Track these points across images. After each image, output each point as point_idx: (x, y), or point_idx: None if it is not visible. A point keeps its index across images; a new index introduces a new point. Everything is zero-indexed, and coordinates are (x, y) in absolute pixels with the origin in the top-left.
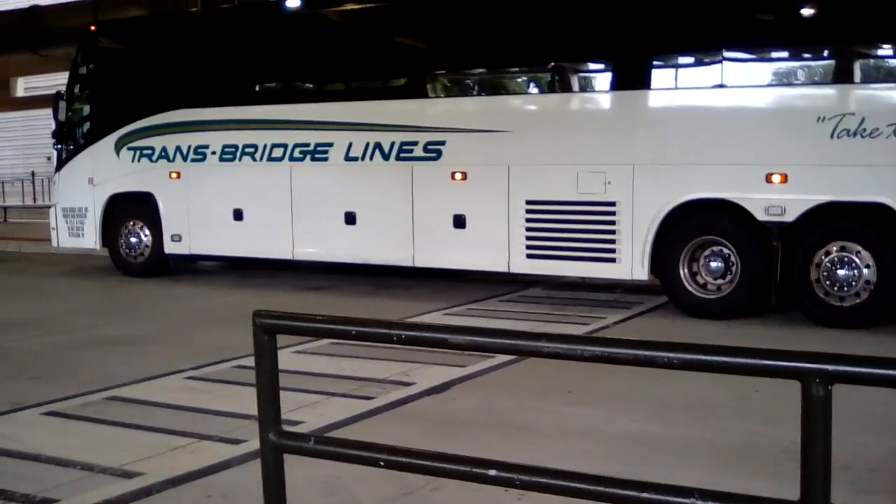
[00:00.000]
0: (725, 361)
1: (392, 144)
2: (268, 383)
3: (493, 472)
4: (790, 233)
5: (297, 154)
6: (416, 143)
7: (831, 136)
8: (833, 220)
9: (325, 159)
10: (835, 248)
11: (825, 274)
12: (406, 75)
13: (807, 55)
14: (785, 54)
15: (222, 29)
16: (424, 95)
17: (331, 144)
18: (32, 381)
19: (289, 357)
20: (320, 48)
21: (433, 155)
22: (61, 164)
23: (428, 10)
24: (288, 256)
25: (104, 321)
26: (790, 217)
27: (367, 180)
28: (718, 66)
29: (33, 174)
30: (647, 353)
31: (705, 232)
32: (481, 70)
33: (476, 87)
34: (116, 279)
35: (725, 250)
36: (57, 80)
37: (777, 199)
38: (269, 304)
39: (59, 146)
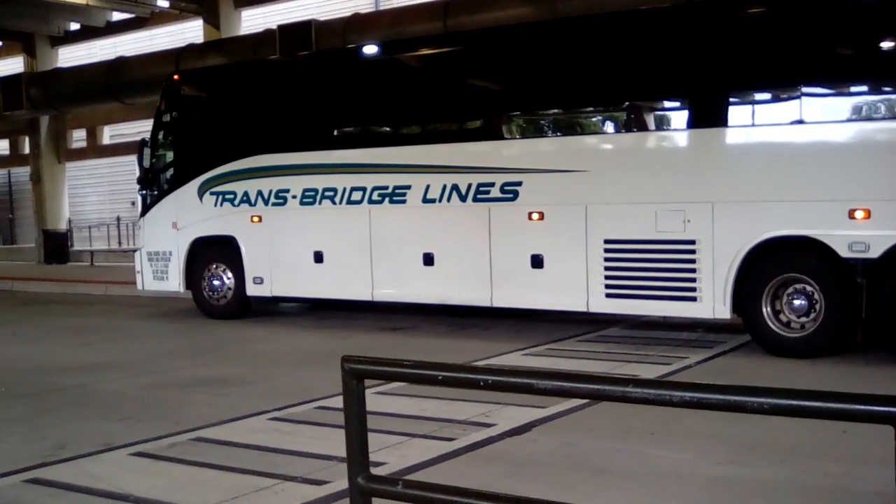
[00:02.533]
0: (816, 406)
1: (469, 186)
2: (356, 427)
3: None
4: (875, 269)
5: (375, 197)
6: (492, 185)
7: None
8: None
9: (403, 202)
10: None
11: None
12: (482, 117)
13: (887, 88)
14: (865, 88)
15: (301, 75)
16: (500, 137)
17: (408, 187)
18: (120, 423)
19: (370, 398)
20: (397, 93)
21: (510, 196)
22: (146, 209)
23: (503, 53)
24: (367, 297)
25: (189, 363)
26: (875, 253)
27: (444, 222)
28: (797, 101)
29: (119, 219)
30: (736, 398)
31: (788, 269)
32: (557, 110)
33: (552, 128)
34: (200, 321)
35: (809, 288)
36: (141, 128)
37: (861, 236)
38: (350, 345)
39: (144, 192)
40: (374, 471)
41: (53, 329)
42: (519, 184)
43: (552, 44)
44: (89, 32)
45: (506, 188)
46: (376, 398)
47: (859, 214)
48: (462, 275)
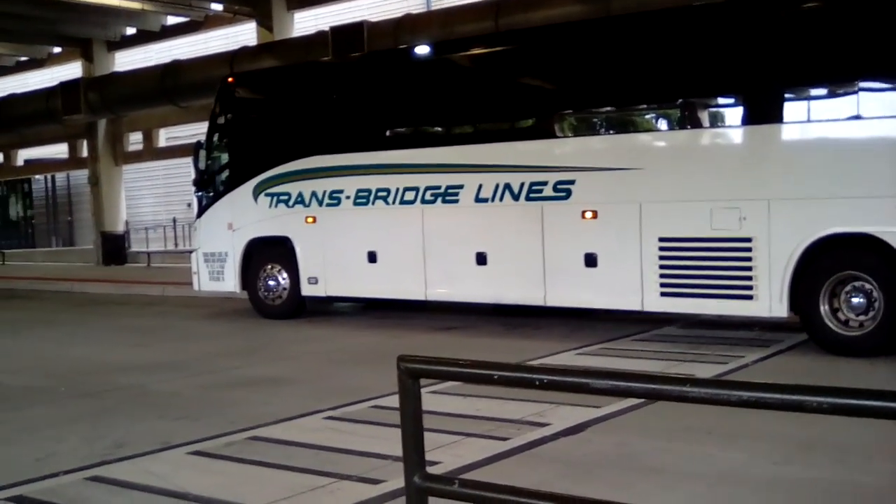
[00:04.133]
0: (876, 406)
1: (521, 185)
2: (412, 426)
3: None
4: None
5: (428, 197)
6: (545, 183)
7: None
8: None
9: (456, 201)
10: None
11: None
12: (534, 116)
13: None
14: None
15: (353, 76)
16: (553, 135)
17: (461, 186)
18: (177, 421)
19: (424, 397)
20: (449, 92)
21: (563, 194)
22: (202, 210)
23: (554, 51)
24: (421, 297)
25: (244, 362)
26: None
27: (497, 221)
28: (854, 96)
29: (175, 220)
30: (795, 397)
31: (846, 267)
32: (610, 108)
33: (605, 126)
34: (255, 321)
35: (867, 286)
36: (196, 130)
37: None
38: (403, 344)
39: (199, 193)
40: (430, 470)
41: (112, 330)
42: (572, 182)
43: (605, 41)
44: (145, 37)
45: (559, 187)
46: (430, 397)
47: None
48: (515, 274)
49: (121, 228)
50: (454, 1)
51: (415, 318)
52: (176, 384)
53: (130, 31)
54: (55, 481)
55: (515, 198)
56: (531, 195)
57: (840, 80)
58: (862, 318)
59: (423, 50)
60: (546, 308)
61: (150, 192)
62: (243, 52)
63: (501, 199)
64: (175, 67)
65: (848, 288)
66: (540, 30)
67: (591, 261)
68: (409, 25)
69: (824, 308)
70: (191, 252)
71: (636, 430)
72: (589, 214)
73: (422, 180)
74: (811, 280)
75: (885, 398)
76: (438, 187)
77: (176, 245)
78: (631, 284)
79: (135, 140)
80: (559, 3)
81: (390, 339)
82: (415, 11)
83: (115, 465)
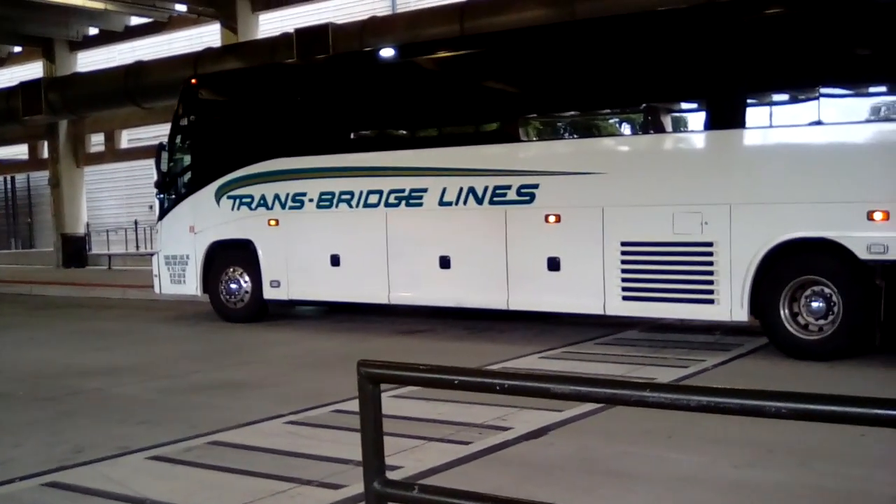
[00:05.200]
0: (836, 411)
1: (485, 189)
2: (372, 432)
3: None
4: (894, 271)
5: (392, 200)
6: (509, 187)
7: None
8: None
9: (420, 205)
10: None
11: None
12: (498, 120)
13: None
14: (883, 89)
15: (318, 79)
16: (517, 139)
17: (425, 190)
18: (137, 426)
19: (386, 401)
20: (413, 96)
21: (526, 198)
22: (163, 212)
23: (519, 55)
24: (384, 301)
25: (205, 366)
26: (894, 255)
27: (461, 225)
28: (815, 102)
29: (136, 223)
30: (754, 402)
31: (806, 272)
32: (574, 112)
33: (569, 130)
34: (217, 325)
35: (827, 290)
36: (159, 132)
37: (880, 237)
38: (366, 348)
39: (161, 195)
40: (391, 475)
41: (71, 333)
42: (536, 186)
43: (569, 46)
44: (108, 37)
45: (522, 191)
46: (392, 401)
47: (878, 216)
48: (478, 278)
49: (81, 231)
50: (420, 4)
51: (378, 321)
52: (136, 388)
53: (93, 31)
54: (11, 487)
55: (479, 201)
56: (495, 199)
57: (801, 86)
58: (822, 322)
59: (387, 53)
60: (509, 312)
61: (112, 194)
62: (207, 54)
63: (465, 202)
64: (138, 68)
65: (808, 292)
66: (505, 34)
67: (554, 265)
68: (374, 28)
69: (784, 312)
70: (152, 255)
71: (598, 434)
72: (552, 218)
73: (385, 183)
74: (772, 284)
75: (844, 403)
76: (402, 191)
77: (137, 248)
78: (593, 288)
79: (96, 141)
80: (524, 7)
81: (353, 342)
82: (380, 14)
83: (72, 470)
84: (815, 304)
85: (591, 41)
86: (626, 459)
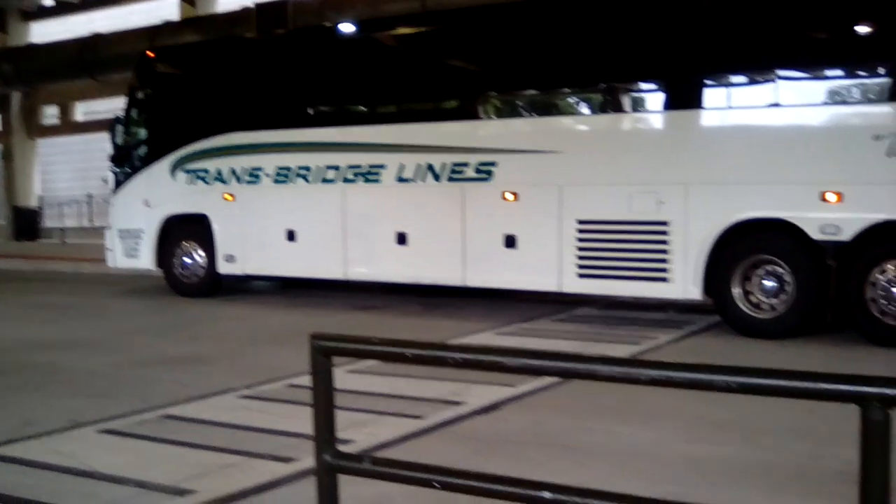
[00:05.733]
0: (783, 385)
1: (443, 166)
2: (323, 405)
3: (547, 495)
4: (845, 252)
5: (349, 176)
6: (467, 165)
7: (887, 154)
8: (889, 238)
9: (378, 181)
10: (891, 267)
11: (881, 293)
12: (458, 97)
13: (862, 73)
14: (839, 72)
15: (276, 53)
16: (476, 117)
17: (383, 166)
18: (89, 399)
19: (341, 376)
20: (373, 71)
21: (484, 176)
22: (118, 186)
23: (479, 33)
24: (340, 276)
25: (159, 341)
26: (845, 236)
27: (418, 201)
28: (772, 84)
29: (90, 196)
30: (703, 376)
31: (759, 251)
32: (533, 91)
33: (527, 108)
34: (171, 299)
35: (779, 269)
36: (115, 105)
37: (832, 218)
38: (322, 324)
39: (116, 169)
40: (344, 448)
41: (23, 306)
42: (494, 164)
43: (528, 24)
44: (64, 8)
45: (480, 168)
46: (348, 377)
47: (831, 197)
48: (435, 254)
49: (34, 203)
50: None
51: (334, 297)
52: (88, 362)
53: (48, 1)
54: None
55: (437, 178)
56: (453, 176)
57: (758, 69)
58: (773, 301)
59: (347, 28)
60: (466, 288)
61: (66, 167)
62: (165, 27)
63: (423, 179)
64: (94, 40)
65: (760, 272)
66: (465, 11)
67: (510, 242)
68: (334, 3)
69: (737, 291)
70: (106, 228)
71: (551, 409)
72: (510, 196)
73: (343, 159)
74: (725, 263)
75: (791, 378)
76: (360, 166)
77: (91, 221)
78: (550, 266)
79: (51, 114)
80: None
81: (308, 318)
82: None
83: (21, 443)
84: (767, 284)
85: (551, 20)
86: (578, 434)
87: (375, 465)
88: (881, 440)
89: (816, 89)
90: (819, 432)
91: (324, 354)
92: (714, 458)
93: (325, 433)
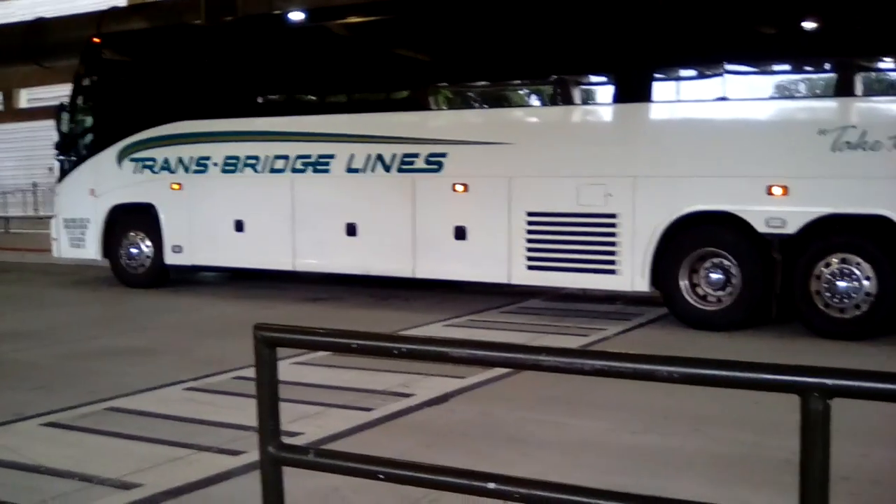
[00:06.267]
0: (725, 375)
1: (393, 156)
2: (268, 396)
3: (492, 486)
4: (791, 245)
5: (298, 166)
6: (417, 155)
7: (832, 149)
8: (834, 232)
9: (327, 171)
10: (835, 260)
11: (826, 286)
12: (408, 88)
13: (808, 68)
14: (786, 67)
15: (225, 41)
16: (426, 108)
17: (332, 156)
18: (32, 392)
19: (288, 368)
20: (322, 61)
21: (434, 167)
22: (63, 175)
23: (429, 23)
24: (289, 267)
25: (104, 332)
26: (791, 229)
27: (368, 192)
28: (720, 78)
29: (35, 185)
30: (647, 366)
31: (706, 244)
32: (483, 83)
33: (478, 100)
34: (117, 290)
35: (726, 262)
36: (60, 92)
37: (778, 212)
38: (270, 315)
39: (62, 157)
40: (291, 440)
41: None
42: (444, 155)
43: (478, 15)
44: None
45: (431, 159)
46: (296, 368)
47: (777, 191)
48: (385, 246)
49: None
50: None
51: (282, 288)
52: (31, 354)
53: None
54: None
55: (387, 169)
56: (403, 167)
57: (706, 62)
58: (720, 293)
59: (297, 16)
60: (415, 280)
61: (10, 154)
62: (112, 13)
63: (373, 170)
64: (39, 25)
65: (707, 264)
66: (415, 1)
67: (460, 234)
68: None
69: (684, 283)
70: (51, 218)
71: (499, 401)
72: (460, 188)
73: (293, 149)
74: (672, 256)
75: (733, 368)
76: (309, 156)
77: (36, 210)
78: (499, 257)
79: None
80: None
81: (256, 309)
82: None
83: None
84: (713, 276)
85: (502, 11)
86: (525, 425)
87: (320, 458)
88: (821, 430)
89: (763, 83)
90: (765, 422)
91: (268, 345)
92: (661, 449)
93: (269, 425)
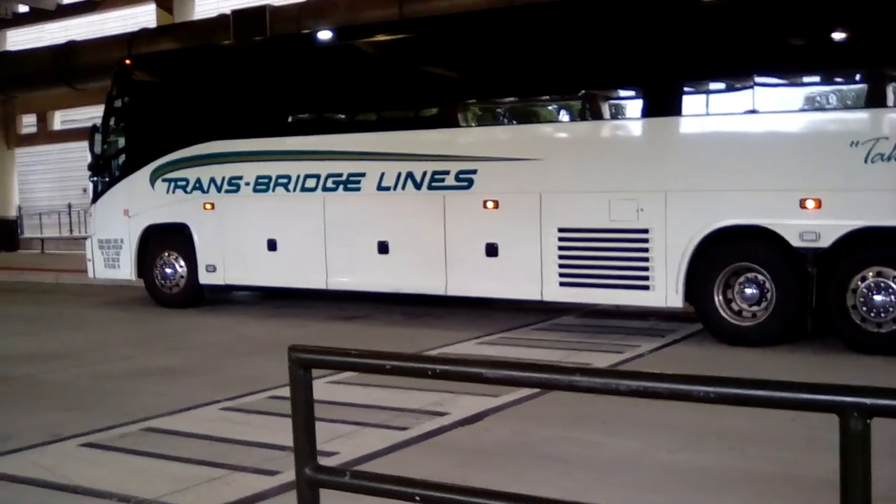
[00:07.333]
0: (763, 395)
1: (424, 174)
2: (303, 417)
3: None
4: (825, 258)
5: (329, 184)
6: (447, 173)
7: (865, 161)
8: (868, 245)
9: (358, 189)
10: (871, 274)
11: (861, 300)
12: (437, 105)
13: (839, 79)
14: (817, 79)
15: (255, 61)
16: (456, 125)
17: (363, 174)
18: (70, 413)
19: (322, 387)
20: (352, 79)
21: (465, 184)
22: (97, 196)
23: (458, 41)
24: (321, 286)
25: (140, 352)
26: (825, 243)
27: (399, 210)
28: (750, 91)
29: (70, 206)
30: (683, 387)
31: (740, 258)
32: (512, 99)
33: (507, 116)
34: (152, 310)
35: (760, 277)
36: (93, 114)
37: (811, 225)
38: (303, 334)
39: (95, 178)
40: (327, 460)
41: (2, 318)
42: (474, 172)
43: (507, 32)
44: (39, 15)
45: (461, 176)
46: (328, 387)
47: (810, 204)
48: (417, 263)
49: (13, 213)
50: None
51: (315, 307)
52: (68, 374)
53: (23, 8)
54: None
55: (418, 187)
56: (433, 184)
57: (736, 75)
58: (755, 308)
59: (326, 36)
60: (447, 297)
61: (45, 176)
62: (142, 35)
63: (404, 187)
64: (70, 48)
65: (741, 279)
66: (443, 18)
67: (491, 250)
68: (312, 10)
69: (718, 298)
70: (86, 238)
71: (533, 419)
72: (490, 204)
73: (323, 168)
74: (706, 271)
75: (771, 388)
76: (340, 175)
77: (71, 231)
78: (531, 274)
79: (28, 122)
80: None
81: (289, 328)
82: None
83: (1, 458)
84: (748, 291)
85: (530, 27)
86: (560, 444)
87: (356, 479)
88: (861, 450)
89: (794, 96)
90: (801, 440)
91: (303, 367)
92: (697, 467)
93: (305, 447)
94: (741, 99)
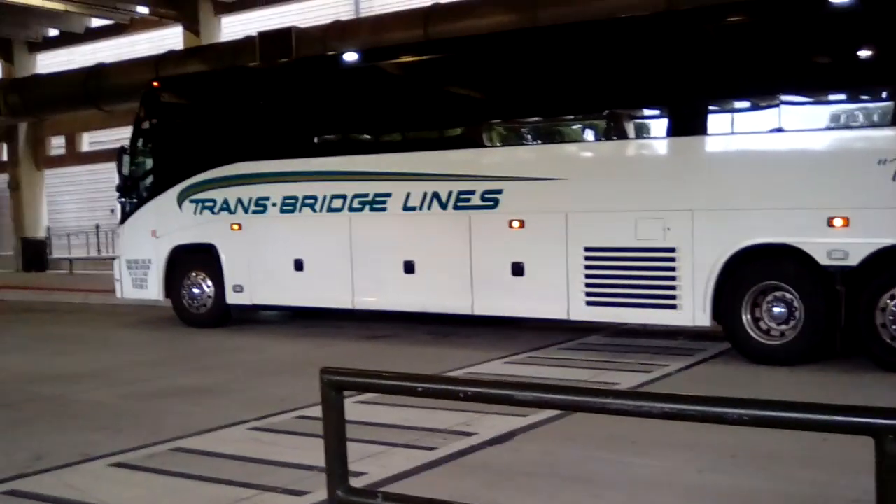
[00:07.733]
0: (796, 418)
1: (449, 194)
2: (335, 439)
3: None
4: (854, 277)
5: (356, 204)
6: (473, 192)
7: (893, 179)
8: None
9: (384, 209)
10: None
11: (891, 318)
12: (462, 125)
13: (866, 97)
14: (843, 97)
15: (281, 82)
16: (481, 145)
17: (389, 195)
18: (98, 432)
19: (350, 407)
20: (377, 100)
21: (490, 203)
22: (125, 216)
23: (483, 61)
24: (348, 306)
25: (168, 372)
26: (853, 261)
27: (425, 229)
28: (776, 109)
29: (98, 227)
30: (716, 409)
31: (767, 277)
32: (537, 118)
33: (532, 136)
34: (179, 330)
35: (788, 295)
36: (121, 135)
37: (839, 243)
38: (330, 354)
39: (123, 199)
40: (356, 481)
41: (32, 338)
42: (499, 192)
43: (532, 52)
44: (68, 39)
45: (486, 196)
46: (357, 407)
47: (838, 222)
48: (443, 283)
49: (42, 234)
50: (384, 9)
51: (342, 326)
52: (98, 394)
53: (53, 32)
54: None
55: (443, 206)
56: (459, 204)
57: (762, 94)
58: (783, 327)
59: (351, 57)
60: (474, 317)
61: (73, 197)
62: (169, 57)
63: (429, 207)
64: (99, 71)
65: (769, 298)
66: (468, 39)
67: (518, 270)
68: (337, 32)
69: (746, 317)
70: (114, 259)
71: (562, 439)
72: (516, 224)
73: (349, 188)
74: (733, 290)
75: (805, 410)
76: (366, 195)
77: (99, 252)
78: (557, 293)
79: (57, 144)
80: (488, 13)
81: (317, 348)
82: (344, 18)
83: (32, 477)
84: (776, 310)
85: (554, 47)
86: (590, 464)
87: (388, 501)
88: None
89: (820, 113)
90: (833, 460)
91: (335, 388)
92: (727, 488)
93: (337, 468)
94: (767, 117)
